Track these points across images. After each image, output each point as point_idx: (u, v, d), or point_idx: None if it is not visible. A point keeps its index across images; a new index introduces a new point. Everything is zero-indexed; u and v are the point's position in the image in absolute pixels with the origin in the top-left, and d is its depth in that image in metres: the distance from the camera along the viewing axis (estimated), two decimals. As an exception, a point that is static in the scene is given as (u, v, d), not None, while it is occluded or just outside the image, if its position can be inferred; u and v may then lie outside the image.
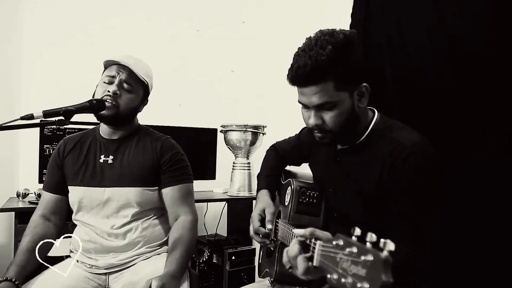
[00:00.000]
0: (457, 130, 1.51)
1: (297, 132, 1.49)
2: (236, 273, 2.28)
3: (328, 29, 1.02)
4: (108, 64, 1.41)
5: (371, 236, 0.61)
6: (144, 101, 1.48)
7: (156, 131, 1.56)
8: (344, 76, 0.99)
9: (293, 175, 1.47)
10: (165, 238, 1.45)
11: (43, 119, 1.18)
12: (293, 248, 0.81)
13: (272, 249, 1.30)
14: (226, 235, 2.60)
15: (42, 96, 2.31)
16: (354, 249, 0.62)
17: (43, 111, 1.17)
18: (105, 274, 1.38)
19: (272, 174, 1.45)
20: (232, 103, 2.95)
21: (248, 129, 2.35)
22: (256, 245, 2.39)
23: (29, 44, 2.41)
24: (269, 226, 1.22)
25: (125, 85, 1.38)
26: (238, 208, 2.59)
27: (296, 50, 1.04)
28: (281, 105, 2.72)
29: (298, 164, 1.50)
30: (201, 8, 2.92)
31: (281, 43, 2.77)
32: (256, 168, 2.45)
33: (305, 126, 1.40)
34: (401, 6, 1.75)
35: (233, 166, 2.45)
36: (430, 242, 0.99)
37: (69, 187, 1.43)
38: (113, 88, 1.35)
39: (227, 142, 2.43)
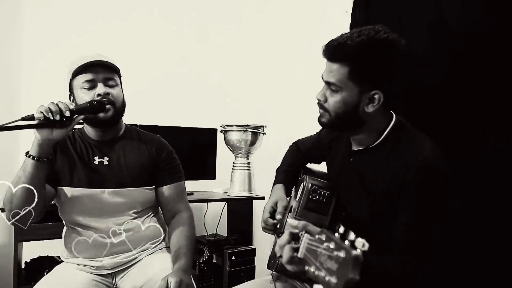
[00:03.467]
0: (457, 129, 1.51)
1: (318, 131, 1.49)
2: (236, 273, 2.27)
3: (384, 27, 1.01)
4: (78, 71, 1.34)
5: (351, 234, 0.65)
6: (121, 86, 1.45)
7: (156, 131, 1.59)
8: (361, 71, 1.00)
9: (311, 172, 1.48)
10: (163, 235, 1.49)
11: (43, 119, 1.17)
12: (284, 237, 0.84)
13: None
14: (226, 235, 2.60)
15: (42, 96, 2.30)
16: (332, 245, 0.65)
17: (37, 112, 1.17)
18: (111, 274, 1.39)
19: (290, 170, 1.46)
20: (232, 103, 2.95)
21: (248, 129, 2.35)
22: (256, 245, 2.39)
23: (29, 44, 2.40)
24: (278, 216, 1.26)
25: (109, 82, 1.36)
26: (238, 208, 2.58)
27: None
28: (281, 105, 2.73)
29: (318, 162, 1.51)
30: (201, 7, 2.92)
31: (281, 43, 2.77)
32: (256, 168, 2.47)
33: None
34: (401, 6, 1.75)
35: (233, 166, 2.45)
36: (432, 254, 1.00)
37: (63, 188, 1.36)
38: (102, 89, 1.32)
39: (227, 142, 2.43)
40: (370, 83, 1.02)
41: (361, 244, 0.63)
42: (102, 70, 1.34)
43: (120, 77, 1.44)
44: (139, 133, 1.52)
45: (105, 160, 1.41)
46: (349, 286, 0.59)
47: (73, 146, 1.41)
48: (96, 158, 1.41)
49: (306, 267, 0.70)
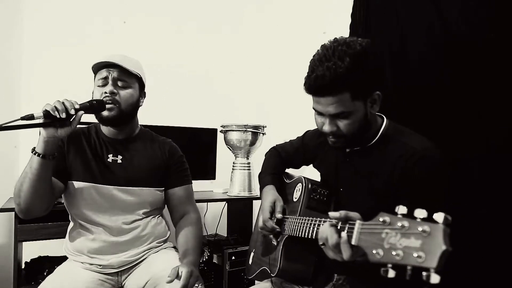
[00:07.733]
0: (456, 129, 1.52)
1: (299, 135, 1.50)
2: (236, 273, 2.28)
3: (343, 38, 1.05)
4: (97, 68, 1.39)
5: (421, 212, 0.63)
6: (142, 94, 1.48)
7: (156, 131, 1.62)
8: (360, 87, 1.02)
9: (290, 176, 1.48)
10: (168, 235, 1.55)
11: (43, 119, 1.17)
12: (331, 234, 0.84)
13: (275, 243, 1.31)
14: (226, 235, 2.60)
15: (42, 96, 2.30)
16: (406, 223, 0.64)
17: (43, 111, 1.17)
18: (117, 273, 1.39)
19: (275, 173, 1.47)
20: (232, 103, 2.95)
21: (248, 129, 2.35)
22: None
23: (29, 44, 2.41)
24: (278, 215, 1.28)
25: (119, 83, 1.37)
26: (238, 208, 2.59)
27: (312, 57, 1.05)
28: (281, 105, 2.73)
29: (298, 166, 1.53)
30: (201, 8, 2.92)
31: (281, 43, 2.77)
32: (256, 168, 2.46)
33: (308, 130, 1.46)
34: (401, 6, 1.75)
35: (233, 166, 2.46)
36: None
37: (75, 182, 1.38)
38: (109, 88, 1.35)
39: (227, 142, 2.43)
40: (369, 91, 1.07)
41: (440, 217, 0.61)
42: (115, 70, 1.36)
43: (139, 80, 1.44)
44: (153, 135, 1.57)
45: (119, 159, 1.44)
46: (443, 258, 0.59)
47: (87, 141, 1.44)
48: (110, 155, 1.43)
49: (373, 251, 0.68)
